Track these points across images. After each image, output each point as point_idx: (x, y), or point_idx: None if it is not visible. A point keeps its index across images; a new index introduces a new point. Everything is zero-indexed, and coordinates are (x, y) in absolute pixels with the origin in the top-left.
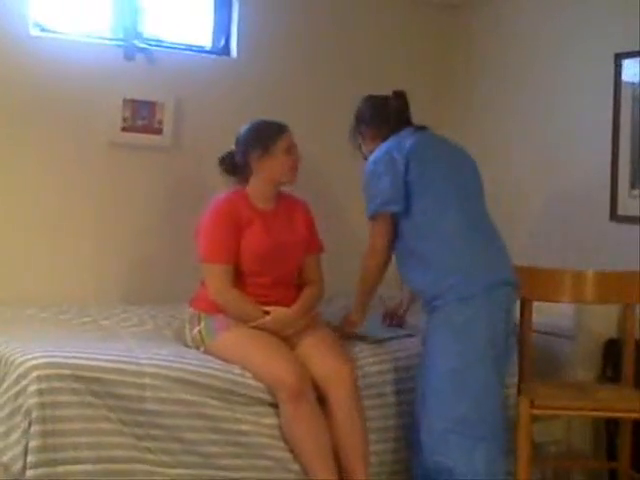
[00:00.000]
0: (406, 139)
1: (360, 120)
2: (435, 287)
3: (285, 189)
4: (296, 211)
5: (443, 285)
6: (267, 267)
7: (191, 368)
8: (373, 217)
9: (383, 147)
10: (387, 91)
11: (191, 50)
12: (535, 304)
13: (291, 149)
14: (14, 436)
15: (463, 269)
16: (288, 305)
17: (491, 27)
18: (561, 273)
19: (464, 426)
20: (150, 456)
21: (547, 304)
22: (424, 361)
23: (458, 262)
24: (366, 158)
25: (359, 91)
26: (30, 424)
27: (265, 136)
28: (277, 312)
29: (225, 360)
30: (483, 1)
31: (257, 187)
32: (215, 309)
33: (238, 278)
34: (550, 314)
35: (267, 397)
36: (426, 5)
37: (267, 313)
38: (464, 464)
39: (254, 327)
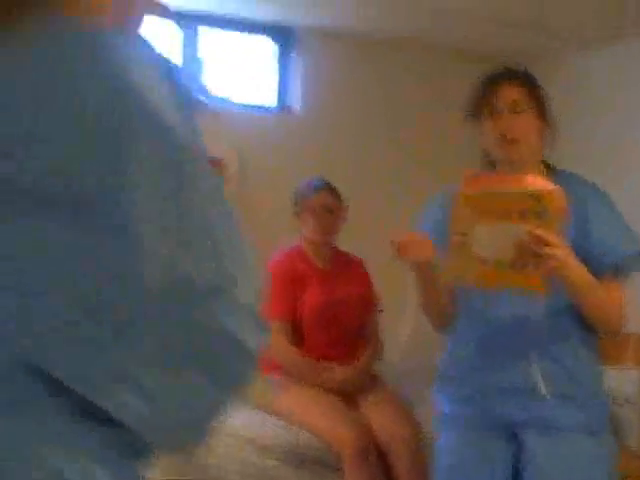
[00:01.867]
0: None
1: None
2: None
3: (341, 247)
4: (353, 269)
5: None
6: (325, 325)
7: (254, 428)
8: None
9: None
10: (449, 157)
11: (255, 109)
12: None
13: (319, 210)
14: None
15: None
16: (347, 363)
17: (565, 91)
18: (624, 337)
19: None
20: None
21: (609, 369)
22: None
23: None
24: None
25: (428, 156)
26: None
27: (299, 194)
28: (337, 371)
29: (286, 421)
30: (551, 71)
31: (304, 244)
32: (274, 368)
33: (296, 336)
34: (612, 379)
35: (329, 459)
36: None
37: (327, 371)
38: None
39: (314, 386)
